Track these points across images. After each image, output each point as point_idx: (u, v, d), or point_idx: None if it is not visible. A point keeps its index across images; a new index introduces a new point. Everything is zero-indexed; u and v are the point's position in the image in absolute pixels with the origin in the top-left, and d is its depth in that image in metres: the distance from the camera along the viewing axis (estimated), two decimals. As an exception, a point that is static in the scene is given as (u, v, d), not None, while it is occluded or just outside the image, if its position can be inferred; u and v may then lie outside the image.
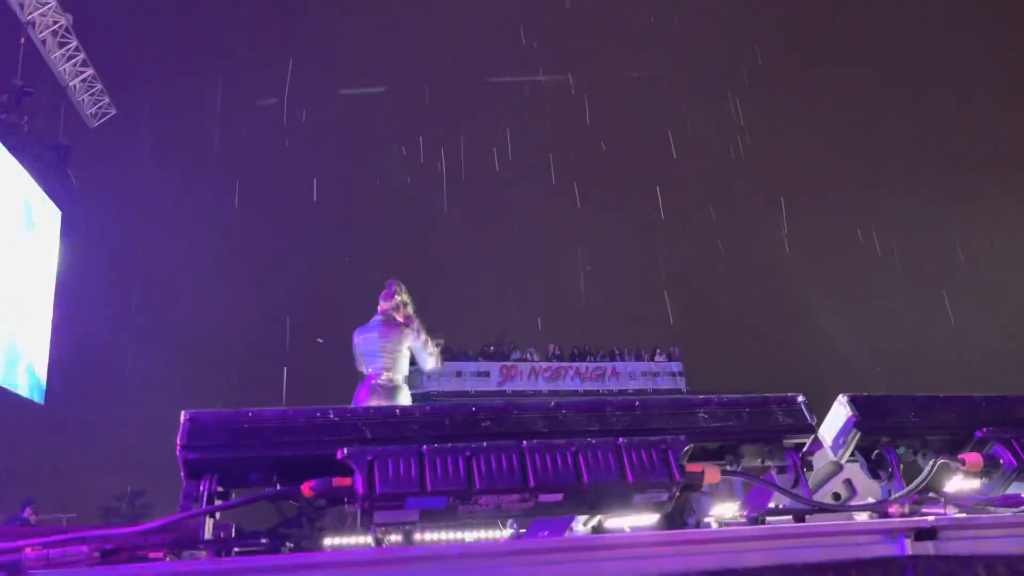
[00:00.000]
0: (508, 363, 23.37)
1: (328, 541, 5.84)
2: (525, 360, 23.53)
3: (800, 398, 2.27)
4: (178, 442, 1.89)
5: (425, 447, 1.94)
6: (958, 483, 2.30)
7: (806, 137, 33.09)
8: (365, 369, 5.93)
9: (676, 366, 24.24)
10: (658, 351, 24.62)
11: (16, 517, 11.52)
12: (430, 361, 6.15)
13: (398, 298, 5.98)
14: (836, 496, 3.36)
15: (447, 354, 22.46)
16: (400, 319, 5.97)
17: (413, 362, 6.23)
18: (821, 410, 2.37)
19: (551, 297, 31.79)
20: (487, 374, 23.13)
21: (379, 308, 5.98)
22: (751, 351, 28.28)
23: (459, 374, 22.60)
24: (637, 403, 2.18)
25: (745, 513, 2.13)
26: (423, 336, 6.04)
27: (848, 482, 3.53)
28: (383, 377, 5.84)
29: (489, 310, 29.00)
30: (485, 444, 1.98)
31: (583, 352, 24.22)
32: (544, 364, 23.50)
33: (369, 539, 2.09)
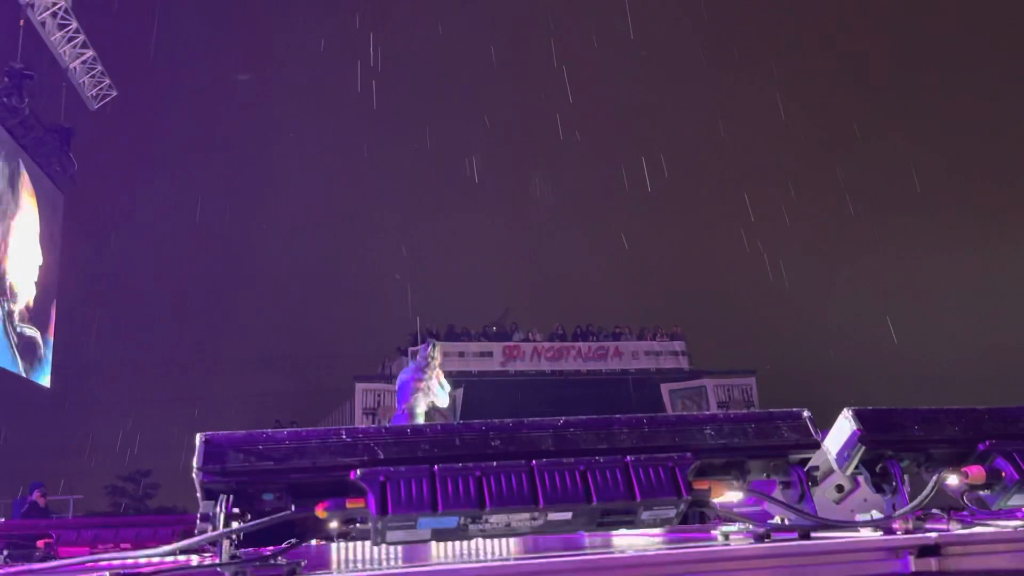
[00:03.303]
0: (511, 343, 23.31)
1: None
2: (528, 340, 23.48)
3: (805, 413, 2.29)
4: (195, 464, 1.92)
5: (436, 467, 1.97)
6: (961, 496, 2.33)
7: (807, 123, 32.94)
8: (399, 402, 8.21)
9: (679, 345, 24.16)
10: (660, 330, 24.57)
11: (25, 500, 11.63)
12: (445, 400, 8.27)
13: (433, 355, 8.05)
14: (839, 488, 3.39)
15: (450, 334, 22.52)
16: (432, 371, 8.03)
17: None
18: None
19: (554, 276, 31.84)
20: (490, 354, 23.06)
21: (420, 357, 8.14)
22: (753, 330, 28.34)
23: (461, 355, 22.55)
24: (644, 420, 2.20)
25: (750, 528, 2.15)
26: (445, 382, 8.20)
27: (850, 475, 3.56)
28: (417, 409, 7.97)
29: (492, 289, 29.05)
30: (495, 464, 2.01)
31: (586, 332, 24.14)
32: (547, 344, 23.44)
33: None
